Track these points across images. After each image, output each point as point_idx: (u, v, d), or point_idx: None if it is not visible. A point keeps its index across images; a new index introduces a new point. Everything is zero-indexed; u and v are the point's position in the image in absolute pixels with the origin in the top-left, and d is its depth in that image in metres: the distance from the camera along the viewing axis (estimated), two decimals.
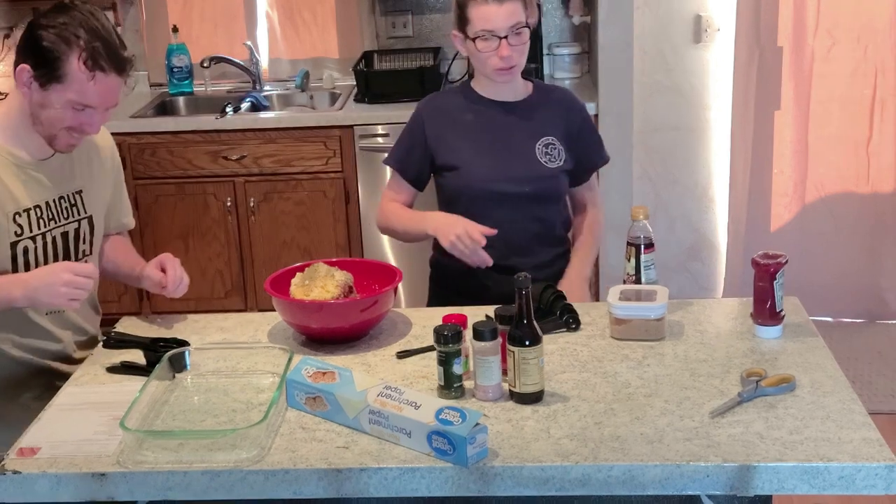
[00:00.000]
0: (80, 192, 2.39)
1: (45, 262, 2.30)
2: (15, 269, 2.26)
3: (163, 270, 2.43)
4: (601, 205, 2.83)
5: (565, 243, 2.75)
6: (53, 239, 2.32)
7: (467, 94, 2.71)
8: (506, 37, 2.52)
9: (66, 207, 2.36)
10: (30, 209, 2.28)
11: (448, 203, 2.68)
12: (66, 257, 2.35)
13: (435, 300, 2.78)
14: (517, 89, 2.68)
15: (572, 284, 2.62)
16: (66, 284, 2.16)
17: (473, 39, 2.56)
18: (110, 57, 2.20)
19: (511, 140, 2.65)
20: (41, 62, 2.18)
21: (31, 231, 2.28)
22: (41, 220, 2.30)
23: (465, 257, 2.48)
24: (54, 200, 2.33)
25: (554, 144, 2.64)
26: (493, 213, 2.60)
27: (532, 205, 2.64)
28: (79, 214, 2.39)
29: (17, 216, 2.25)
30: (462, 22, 2.58)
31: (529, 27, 2.57)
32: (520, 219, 2.63)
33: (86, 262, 2.38)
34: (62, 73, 2.18)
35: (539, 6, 2.68)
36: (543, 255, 2.68)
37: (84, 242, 2.40)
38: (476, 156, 2.64)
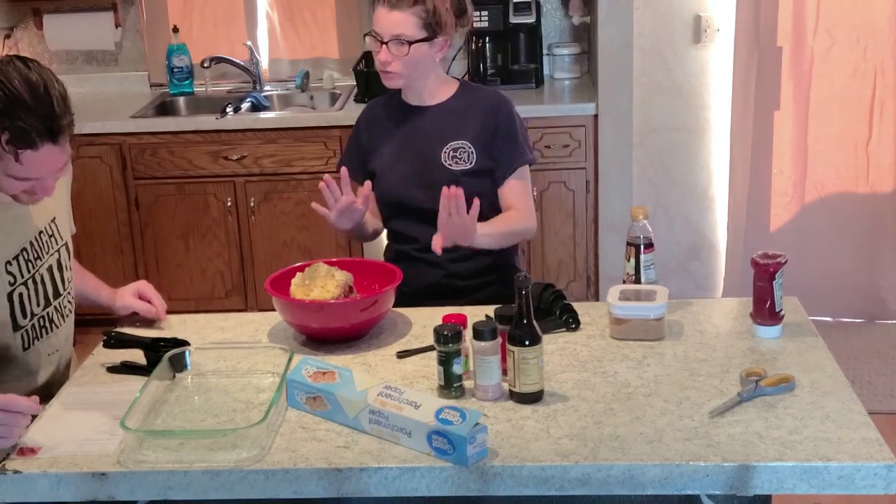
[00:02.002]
0: (54, 220, 2.29)
1: (38, 303, 2.22)
2: (14, 320, 2.17)
3: (140, 298, 2.45)
4: (527, 211, 2.69)
5: None
6: (42, 277, 2.23)
7: (396, 100, 2.75)
8: (387, 42, 2.56)
9: (46, 241, 2.25)
10: (18, 255, 2.17)
11: (378, 205, 2.78)
12: (56, 291, 2.27)
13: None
14: (432, 93, 2.70)
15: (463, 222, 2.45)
16: None
17: (365, 36, 2.64)
18: (37, 130, 1.94)
19: (419, 145, 2.68)
20: None
21: (22, 276, 2.18)
22: (29, 263, 2.19)
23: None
24: (36, 237, 2.22)
25: (464, 148, 2.65)
26: (408, 215, 2.69)
27: (437, 207, 2.60)
28: (57, 244, 2.29)
29: (8, 265, 2.15)
30: None
31: (427, 43, 2.57)
32: (432, 220, 2.58)
33: (67, 293, 2.33)
34: None
35: (469, 18, 2.67)
36: (458, 252, 2.59)
37: (67, 270, 2.33)
38: (390, 162, 2.70)
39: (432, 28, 2.58)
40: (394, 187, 2.70)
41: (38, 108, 1.95)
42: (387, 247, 2.87)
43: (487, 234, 2.53)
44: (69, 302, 2.35)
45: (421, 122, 2.70)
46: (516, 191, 2.69)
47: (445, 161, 2.65)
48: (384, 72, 2.61)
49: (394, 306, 2.41)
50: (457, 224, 2.41)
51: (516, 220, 2.66)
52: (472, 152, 2.65)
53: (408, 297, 2.59)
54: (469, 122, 2.67)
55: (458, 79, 2.78)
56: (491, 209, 2.69)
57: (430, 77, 2.68)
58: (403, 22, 2.56)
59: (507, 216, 2.66)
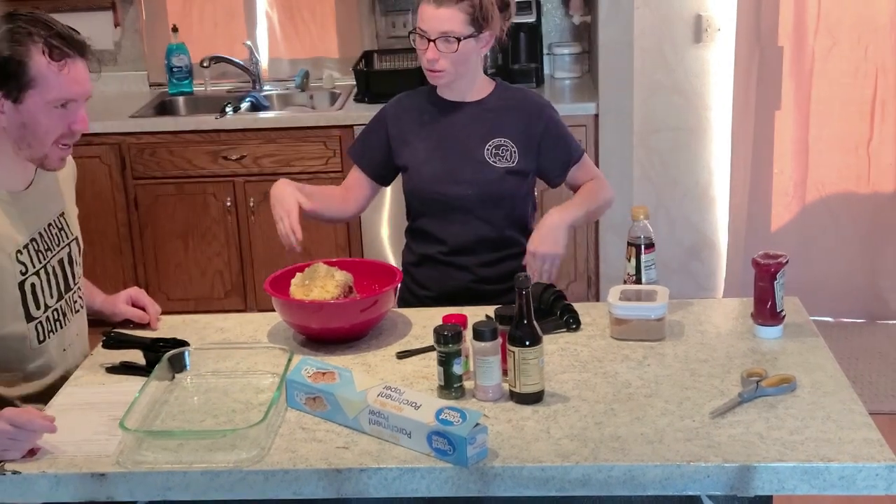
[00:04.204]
0: (62, 214, 2.32)
1: (51, 295, 2.24)
2: (27, 310, 2.18)
3: (134, 305, 2.46)
4: (601, 177, 2.75)
5: (516, 245, 2.68)
6: (53, 269, 2.25)
7: (430, 95, 2.72)
8: (435, 40, 2.53)
9: (56, 233, 2.28)
10: (28, 244, 2.19)
11: (406, 202, 2.76)
12: (66, 285, 2.29)
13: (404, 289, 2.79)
14: (474, 90, 2.67)
15: (542, 226, 2.53)
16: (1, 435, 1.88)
17: (410, 34, 2.61)
18: (70, 43, 2.12)
19: (460, 141, 2.65)
20: (5, 76, 2.07)
21: (33, 266, 2.20)
22: (39, 253, 2.21)
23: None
24: (45, 229, 2.25)
25: (506, 146, 2.63)
26: (439, 213, 2.66)
27: (477, 206, 2.62)
28: (67, 238, 2.31)
29: (18, 254, 2.16)
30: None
31: (474, 38, 2.55)
32: (465, 219, 2.64)
33: (77, 288, 2.34)
34: (32, 77, 2.07)
35: (507, 15, 2.65)
36: (488, 256, 2.65)
37: (77, 266, 2.35)
38: (426, 157, 2.67)
39: (479, 23, 2.54)
40: (428, 183, 2.65)
41: (63, 29, 2.13)
42: (406, 248, 2.80)
43: (565, 222, 2.54)
44: (79, 297, 2.36)
45: (459, 119, 2.66)
46: (585, 169, 2.72)
47: (489, 158, 2.62)
48: (431, 70, 2.57)
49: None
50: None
51: (596, 193, 2.67)
52: (514, 151, 2.63)
53: (432, 302, 2.58)
54: (510, 121, 2.65)
55: (494, 78, 2.75)
56: (524, 211, 2.70)
57: (476, 74, 2.66)
58: (451, 18, 2.52)
59: (588, 190, 2.68)
